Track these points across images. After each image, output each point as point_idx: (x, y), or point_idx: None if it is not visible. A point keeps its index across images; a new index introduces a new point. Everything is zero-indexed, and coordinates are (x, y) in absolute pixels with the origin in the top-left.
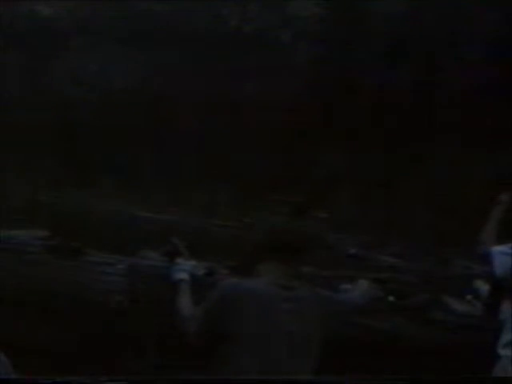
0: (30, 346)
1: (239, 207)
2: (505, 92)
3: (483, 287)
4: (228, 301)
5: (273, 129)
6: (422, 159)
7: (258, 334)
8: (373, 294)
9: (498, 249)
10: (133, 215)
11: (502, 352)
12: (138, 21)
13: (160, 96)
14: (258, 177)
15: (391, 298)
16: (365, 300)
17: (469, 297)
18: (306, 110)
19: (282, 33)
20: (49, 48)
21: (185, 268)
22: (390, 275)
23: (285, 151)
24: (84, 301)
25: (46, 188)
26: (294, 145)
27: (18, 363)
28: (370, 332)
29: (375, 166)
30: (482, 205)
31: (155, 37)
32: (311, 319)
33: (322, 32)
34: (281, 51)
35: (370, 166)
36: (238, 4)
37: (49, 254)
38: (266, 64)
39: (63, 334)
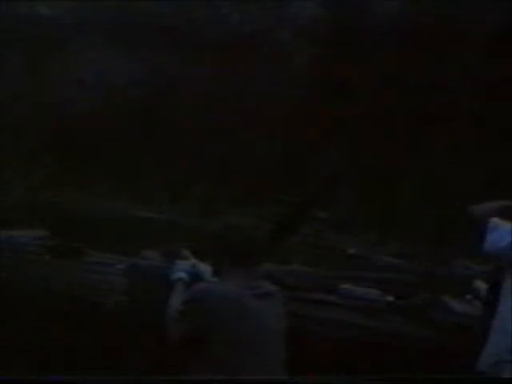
0: (30, 346)
1: (239, 207)
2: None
3: (483, 287)
4: (202, 307)
5: (273, 128)
6: (423, 159)
7: (237, 334)
8: None
9: (495, 223)
10: (133, 215)
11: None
12: (138, 21)
13: (160, 96)
14: (258, 177)
15: (391, 298)
16: None
17: (469, 297)
18: (305, 109)
19: (282, 33)
20: (49, 48)
21: (184, 267)
22: (390, 275)
23: (285, 151)
24: (84, 301)
25: (46, 188)
26: (295, 145)
27: (18, 362)
28: (369, 332)
29: (375, 165)
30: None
31: (155, 37)
32: (281, 313)
33: (322, 32)
34: (281, 51)
35: (369, 166)
36: (238, 4)
37: (49, 254)
38: (265, 64)
39: (63, 333)
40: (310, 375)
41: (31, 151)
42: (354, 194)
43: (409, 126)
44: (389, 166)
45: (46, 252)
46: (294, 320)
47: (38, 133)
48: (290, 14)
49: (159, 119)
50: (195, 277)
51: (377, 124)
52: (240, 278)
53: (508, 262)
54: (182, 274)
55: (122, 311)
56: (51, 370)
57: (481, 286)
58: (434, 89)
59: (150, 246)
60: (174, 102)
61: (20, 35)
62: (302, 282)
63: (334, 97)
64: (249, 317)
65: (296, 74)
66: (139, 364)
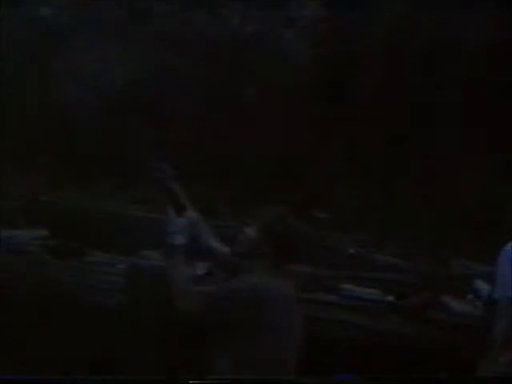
0: (30, 346)
1: (239, 207)
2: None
3: (483, 287)
4: (254, 299)
5: (273, 128)
6: (422, 159)
7: (274, 333)
8: None
9: None
10: (133, 215)
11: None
12: (138, 21)
13: (160, 96)
14: (258, 177)
15: (391, 298)
16: None
17: (469, 297)
18: (305, 109)
19: (282, 33)
20: (49, 47)
21: (181, 228)
22: (390, 275)
23: (285, 151)
24: (84, 301)
25: (46, 188)
26: (295, 145)
27: (18, 362)
28: (369, 332)
29: (375, 165)
30: (481, 205)
31: (155, 37)
32: (301, 317)
33: (322, 32)
34: (281, 51)
35: (369, 166)
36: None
37: (49, 254)
38: (266, 64)
39: (63, 333)
40: (309, 375)
41: (31, 151)
42: (354, 194)
43: (409, 126)
44: (389, 166)
45: (46, 252)
46: None
47: (39, 132)
48: (290, 14)
49: (159, 119)
50: (195, 243)
51: (377, 124)
52: (281, 277)
53: None
54: (181, 240)
55: (122, 311)
56: (51, 370)
57: (481, 285)
58: (435, 89)
59: (150, 246)
60: (174, 102)
61: (20, 35)
62: (302, 282)
63: (334, 97)
64: (288, 317)
65: (296, 74)
66: (139, 364)
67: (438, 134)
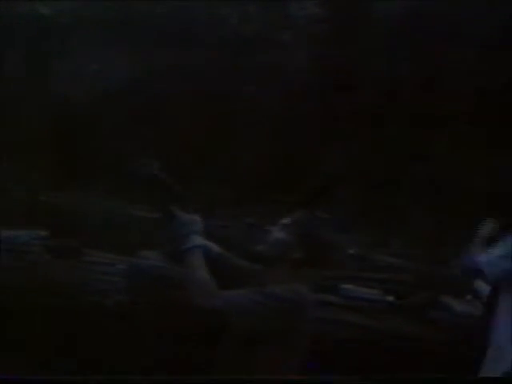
0: (30, 346)
1: (239, 207)
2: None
3: (483, 287)
4: (296, 306)
5: (273, 128)
6: (423, 159)
7: (293, 337)
8: None
9: (484, 259)
10: (133, 215)
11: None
12: (137, 21)
13: (160, 96)
14: (258, 177)
15: (391, 298)
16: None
17: (469, 297)
18: (305, 109)
19: (282, 33)
20: (48, 47)
21: (198, 228)
22: (390, 275)
23: (285, 151)
24: (84, 301)
25: (45, 188)
26: (294, 145)
27: (17, 362)
28: (370, 332)
29: (375, 165)
30: (481, 204)
31: (155, 37)
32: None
33: (322, 32)
34: (281, 51)
35: (369, 166)
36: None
37: (49, 254)
38: (265, 64)
39: (63, 333)
40: (310, 375)
41: (31, 151)
42: (354, 194)
43: (409, 125)
44: (389, 166)
45: (46, 252)
46: None
47: (38, 132)
48: (290, 14)
49: (159, 119)
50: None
51: (377, 124)
52: (300, 280)
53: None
54: (198, 240)
55: (122, 311)
56: (51, 370)
57: (481, 285)
58: (435, 89)
59: (150, 246)
60: (174, 102)
61: (20, 35)
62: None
63: (334, 96)
64: (309, 321)
65: (296, 74)
66: (139, 364)
67: (438, 134)
